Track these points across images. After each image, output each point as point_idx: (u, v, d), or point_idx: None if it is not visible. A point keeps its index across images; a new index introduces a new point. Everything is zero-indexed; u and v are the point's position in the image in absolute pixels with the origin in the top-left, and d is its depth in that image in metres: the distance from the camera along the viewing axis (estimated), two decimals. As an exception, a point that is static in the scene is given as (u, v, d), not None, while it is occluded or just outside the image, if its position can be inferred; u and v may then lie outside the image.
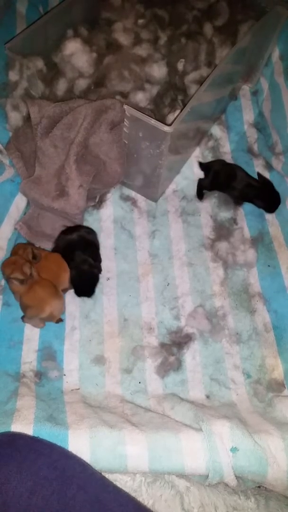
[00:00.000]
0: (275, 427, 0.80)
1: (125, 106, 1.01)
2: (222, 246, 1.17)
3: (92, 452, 0.73)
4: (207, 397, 0.97)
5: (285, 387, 0.99)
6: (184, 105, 1.31)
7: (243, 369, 1.02)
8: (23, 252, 1.06)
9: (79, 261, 1.06)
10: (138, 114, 1.00)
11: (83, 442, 0.74)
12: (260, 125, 1.42)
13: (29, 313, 1.00)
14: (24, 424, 0.75)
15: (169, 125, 0.99)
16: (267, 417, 0.89)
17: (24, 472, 0.60)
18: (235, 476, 0.74)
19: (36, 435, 0.74)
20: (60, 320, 1.03)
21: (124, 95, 1.13)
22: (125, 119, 1.05)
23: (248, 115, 1.45)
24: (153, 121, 0.98)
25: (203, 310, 1.08)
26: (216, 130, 1.41)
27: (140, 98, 1.14)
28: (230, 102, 1.47)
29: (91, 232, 1.13)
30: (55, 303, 1.00)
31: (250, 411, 0.93)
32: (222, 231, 1.20)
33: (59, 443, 0.73)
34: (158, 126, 0.98)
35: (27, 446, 0.66)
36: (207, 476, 0.75)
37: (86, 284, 1.08)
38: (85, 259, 1.07)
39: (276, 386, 0.99)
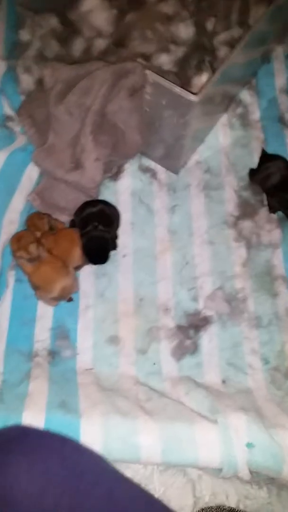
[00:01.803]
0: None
1: (147, 71, 0.92)
2: (246, 225, 1.11)
3: (104, 442, 0.72)
4: (223, 381, 0.94)
5: (304, 376, 0.95)
6: (212, 68, 1.22)
7: (261, 355, 0.98)
8: (38, 222, 1.02)
9: (89, 229, 1.01)
10: (162, 81, 0.91)
11: (96, 432, 0.73)
12: (293, 92, 1.31)
13: (38, 293, 0.97)
14: (35, 412, 0.74)
15: (196, 93, 0.90)
16: (284, 407, 0.87)
17: (34, 471, 0.58)
18: (249, 470, 0.72)
19: (47, 424, 0.72)
20: (70, 299, 1.00)
21: (147, 57, 1.04)
22: (147, 85, 0.96)
23: (281, 80, 1.33)
24: (178, 89, 0.90)
25: (222, 292, 1.03)
26: (246, 96, 1.30)
27: (164, 60, 1.05)
28: (262, 65, 1.36)
29: (110, 206, 1.07)
30: (65, 282, 0.96)
31: (267, 399, 0.90)
32: (247, 208, 1.13)
33: (71, 432, 0.72)
34: (183, 94, 0.90)
35: (38, 442, 0.64)
36: (221, 469, 0.73)
37: (96, 249, 1.02)
38: (95, 226, 1.01)
39: (295, 374, 0.95)
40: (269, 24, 1.14)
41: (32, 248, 0.96)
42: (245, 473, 0.71)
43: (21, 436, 0.66)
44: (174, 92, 0.91)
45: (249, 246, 1.09)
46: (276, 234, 1.11)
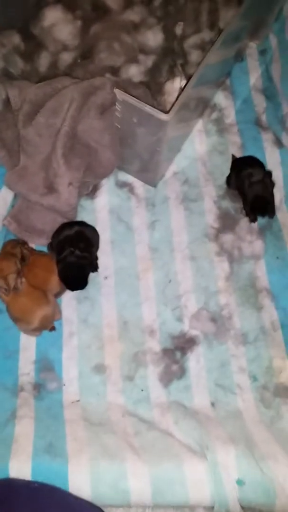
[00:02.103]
0: (283, 450, 0.77)
1: (116, 90, 0.88)
2: (227, 238, 1.08)
3: (93, 488, 0.71)
4: (212, 404, 0.94)
5: (293, 392, 0.95)
6: (185, 72, 1.18)
7: (249, 372, 0.98)
8: (12, 251, 0.98)
9: (65, 254, 0.97)
10: (131, 100, 0.87)
11: (84, 479, 0.72)
12: (268, 92, 1.27)
13: (18, 326, 0.94)
14: (22, 460, 0.72)
15: (167, 111, 0.87)
16: (274, 430, 0.86)
17: None
18: (242, 506, 0.72)
19: (34, 472, 0.70)
20: (53, 329, 0.97)
21: (115, 70, 0.99)
22: (116, 102, 0.92)
23: (255, 79, 1.30)
24: (148, 108, 0.86)
25: (207, 312, 1.01)
26: (220, 98, 1.27)
27: (134, 72, 1.00)
28: (235, 63, 1.31)
29: (88, 227, 1.03)
30: (44, 312, 0.94)
31: (256, 421, 0.90)
32: (227, 220, 1.11)
33: (59, 480, 0.71)
34: (154, 113, 0.86)
35: (25, 497, 0.62)
36: (213, 506, 0.72)
37: (73, 276, 0.98)
38: (71, 251, 0.97)
39: (283, 391, 0.95)
40: (242, 22, 1.10)
41: (11, 279, 0.93)
42: (236, 510, 0.71)
43: (8, 491, 0.64)
44: (144, 111, 0.87)
45: (231, 259, 1.08)
46: (257, 245, 1.09)
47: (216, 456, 0.74)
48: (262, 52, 1.33)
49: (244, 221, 1.11)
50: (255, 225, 1.11)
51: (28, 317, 0.94)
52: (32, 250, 1.02)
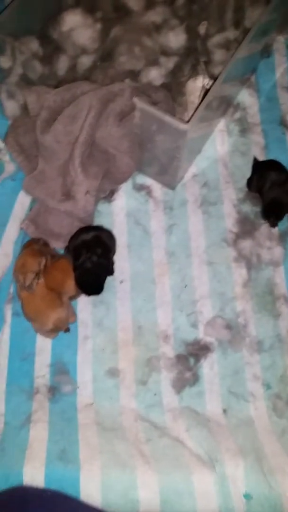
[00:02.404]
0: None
1: (135, 99, 0.87)
2: (246, 244, 1.07)
3: (103, 496, 0.73)
4: (224, 411, 0.94)
5: (306, 403, 0.95)
6: (208, 71, 1.15)
7: (263, 380, 0.98)
8: (43, 248, 1.00)
9: (82, 260, 0.98)
10: (150, 110, 0.86)
11: (95, 486, 0.74)
12: (295, 89, 1.23)
13: (34, 325, 0.97)
14: (36, 467, 0.75)
15: (188, 121, 0.85)
16: (284, 441, 0.87)
17: None
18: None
19: (47, 479, 0.73)
20: (68, 330, 0.99)
21: (135, 74, 0.97)
22: (136, 110, 0.91)
23: (282, 76, 1.26)
24: (167, 117, 0.85)
25: (222, 319, 1.01)
26: (244, 96, 1.23)
27: (154, 75, 0.98)
28: (261, 59, 1.27)
29: (105, 232, 1.04)
30: (58, 314, 0.96)
31: (268, 430, 0.90)
32: (247, 225, 1.09)
33: (70, 487, 0.73)
34: (173, 123, 0.85)
35: (38, 506, 0.65)
36: (220, 518, 0.74)
37: (90, 281, 0.99)
38: (88, 256, 0.98)
39: (297, 401, 0.95)
40: (271, 16, 1.06)
41: (29, 277, 0.95)
42: (244, 524, 0.72)
43: (23, 500, 0.67)
44: (164, 120, 0.85)
45: (249, 266, 1.07)
46: (277, 251, 1.07)
47: (225, 469, 0.75)
48: (290, 47, 1.28)
49: (264, 227, 1.09)
50: (275, 230, 1.09)
51: (43, 319, 0.96)
52: (53, 252, 1.03)
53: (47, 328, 0.97)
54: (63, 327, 0.99)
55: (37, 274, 0.96)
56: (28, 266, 0.96)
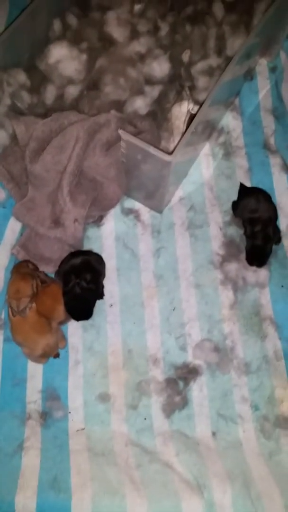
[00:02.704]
0: (278, 489, 0.79)
1: (120, 131, 0.89)
2: (232, 266, 1.09)
3: (94, 525, 0.74)
4: (213, 434, 0.96)
5: (293, 423, 0.97)
6: (192, 97, 1.18)
7: (251, 401, 1.00)
8: (32, 273, 1.01)
9: (72, 285, 1.00)
10: (135, 141, 0.88)
11: (86, 516, 0.75)
12: (278, 112, 1.26)
13: (23, 351, 0.98)
14: (28, 497, 0.76)
15: (171, 153, 0.87)
16: (272, 464, 0.89)
17: None
18: None
19: (39, 508, 0.75)
20: (57, 355, 1.01)
21: (121, 104, 1.00)
22: (121, 141, 0.93)
23: (265, 98, 1.28)
24: (151, 149, 0.87)
25: (211, 342, 1.03)
26: (228, 119, 1.26)
27: (139, 104, 1.01)
28: (244, 82, 1.30)
29: (94, 257, 1.06)
30: (47, 340, 0.97)
31: (255, 453, 0.92)
32: (232, 248, 1.11)
33: (61, 516, 0.74)
34: (158, 154, 0.87)
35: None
36: None
37: (79, 308, 1.01)
38: (77, 282, 1.00)
39: (283, 422, 0.97)
40: (254, 41, 1.08)
41: (23, 302, 0.95)
42: None
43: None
44: (148, 151, 0.88)
45: (235, 288, 1.09)
46: (262, 273, 1.10)
47: (213, 495, 0.77)
48: (273, 69, 1.31)
49: (249, 249, 1.12)
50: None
51: (32, 345, 0.97)
52: (45, 277, 1.04)
53: (36, 353, 0.98)
54: (52, 352, 1.00)
55: (31, 298, 0.97)
56: (22, 291, 0.97)
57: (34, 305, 0.97)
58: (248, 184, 1.18)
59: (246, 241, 1.09)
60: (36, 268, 1.05)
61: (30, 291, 0.97)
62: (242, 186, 1.15)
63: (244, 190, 1.14)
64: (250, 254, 1.07)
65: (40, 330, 0.97)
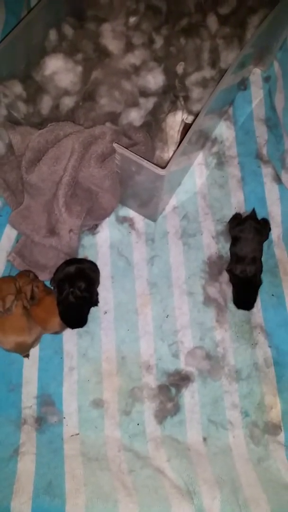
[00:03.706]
0: (265, 495, 0.82)
1: (114, 144, 0.91)
2: (224, 274, 1.12)
3: (87, 530, 0.77)
4: (204, 439, 0.99)
5: (281, 430, 0.99)
6: (186, 107, 1.20)
7: (241, 408, 1.02)
8: (23, 285, 1.02)
9: (66, 294, 1.01)
10: (129, 154, 0.90)
11: (79, 521, 0.77)
12: (270, 122, 1.28)
13: None
14: (23, 502, 0.78)
15: (164, 166, 0.89)
16: (260, 470, 0.91)
17: None
18: None
19: (34, 512, 0.77)
20: (27, 356, 1.03)
21: (116, 115, 1.01)
22: (116, 154, 0.95)
23: (258, 108, 1.30)
24: (145, 163, 0.89)
25: (202, 350, 1.06)
26: (222, 128, 1.28)
27: (134, 116, 1.02)
28: (238, 91, 1.32)
29: (89, 265, 1.08)
30: (20, 340, 0.99)
31: (244, 459, 0.95)
32: (223, 259, 1.13)
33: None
34: (151, 168, 0.89)
35: None
36: None
37: (73, 316, 1.03)
38: (71, 291, 1.01)
39: (272, 429, 0.99)
40: (248, 51, 1.10)
41: (9, 300, 0.97)
42: None
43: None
44: (142, 165, 0.89)
45: (227, 296, 1.11)
46: (254, 282, 1.12)
47: (203, 501, 0.79)
48: (267, 79, 1.33)
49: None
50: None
51: (4, 339, 0.99)
52: (43, 288, 1.05)
53: (5, 347, 1.00)
54: (23, 352, 1.02)
55: (16, 296, 0.99)
56: (5, 289, 0.99)
57: (20, 302, 0.99)
58: (240, 193, 1.20)
59: (232, 286, 1.10)
60: (36, 278, 1.07)
61: (14, 289, 0.99)
62: (236, 214, 1.16)
63: (235, 218, 1.15)
64: (237, 303, 1.09)
65: (17, 331, 0.99)
